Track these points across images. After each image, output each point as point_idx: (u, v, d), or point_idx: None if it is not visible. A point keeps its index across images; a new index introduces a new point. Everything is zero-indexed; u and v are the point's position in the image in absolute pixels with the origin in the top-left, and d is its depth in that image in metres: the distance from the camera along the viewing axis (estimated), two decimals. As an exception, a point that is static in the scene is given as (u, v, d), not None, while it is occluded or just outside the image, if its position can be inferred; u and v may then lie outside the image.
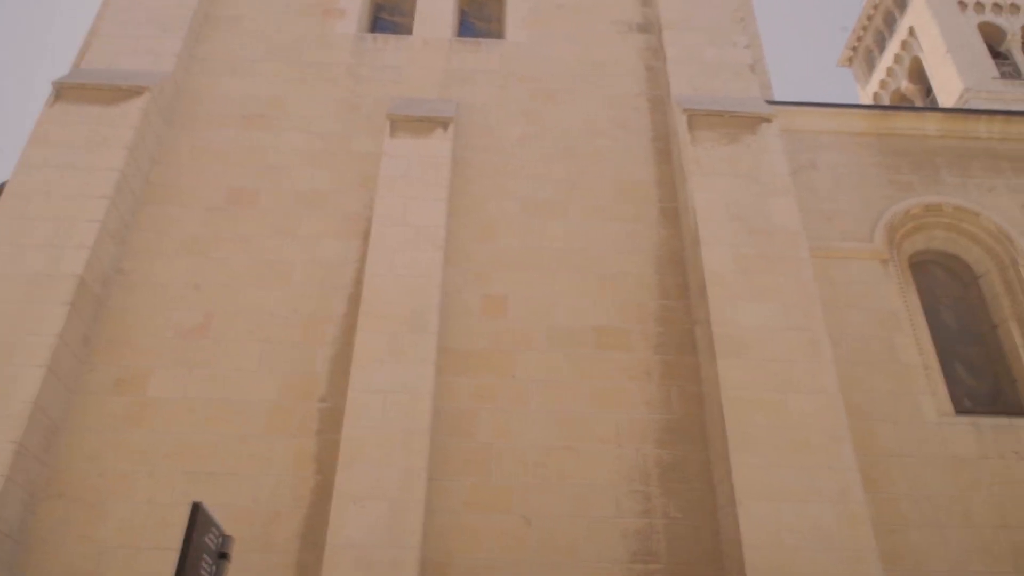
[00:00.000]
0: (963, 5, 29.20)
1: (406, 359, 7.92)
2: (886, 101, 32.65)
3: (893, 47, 32.08)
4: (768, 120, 9.61)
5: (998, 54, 28.62)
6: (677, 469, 7.92)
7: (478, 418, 8.09)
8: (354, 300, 8.77)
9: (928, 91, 30.14)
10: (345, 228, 9.42)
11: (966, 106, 25.16)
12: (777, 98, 11.40)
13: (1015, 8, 29.20)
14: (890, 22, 32.91)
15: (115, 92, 9.62)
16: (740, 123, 9.58)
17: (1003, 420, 8.41)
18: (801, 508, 6.99)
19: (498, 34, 11.87)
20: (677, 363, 8.57)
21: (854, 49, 35.98)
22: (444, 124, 9.84)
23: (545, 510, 7.59)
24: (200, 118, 10.31)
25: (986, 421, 8.37)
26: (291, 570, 7.22)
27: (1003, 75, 27.42)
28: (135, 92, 9.65)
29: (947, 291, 9.85)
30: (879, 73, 33.37)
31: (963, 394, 8.97)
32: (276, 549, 7.32)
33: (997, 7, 29.22)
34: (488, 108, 10.59)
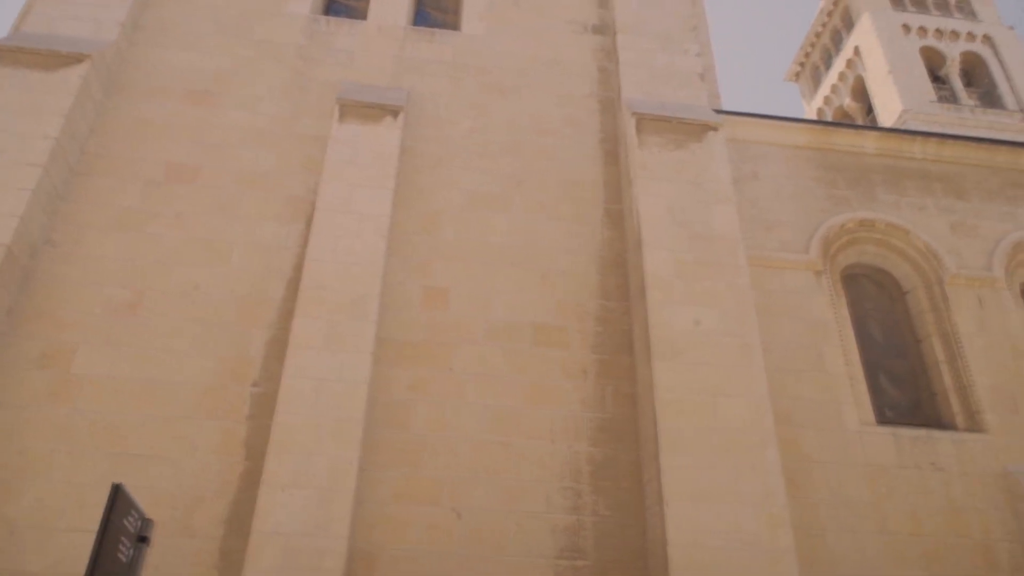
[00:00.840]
0: (907, 28, 30.16)
1: (343, 347, 7.84)
2: (829, 117, 33.54)
3: (839, 65, 32.97)
4: (715, 129, 9.78)
5: (937, 78, 29.66)
6: (608, 468, 8.02)
7: (413, 410, 8.06)
8: (293, 285, 8.64)
9: (869, 110, 31.07)
10: (287, 211, 9.27)
11: (904, 127, 25.99)
12: (725, 107, 11.60)
13: (955, 35, 30.28)
14: (837, 40, 33.81)
15: (54, 58, 9.28)
16: (687, 130, 9.73)
17: (921, 432, 8.73)
18: (726, 509, 7.15)
19: (454, 26, 11.81)
20: (614, 363, 8.67)
21: (801, 64, 36.86)
22: (394, 112, 9.76)
23: (476, 504, 7.61)
24: (142, 90, 10.02)
25: (905, 432, 8.68)
26: (214, 556, 7.09)
27: (941, 99, 28.42)
28: (75, 59, 9.33)
29: (876, 305, 10.18)
30: (824, 89, 34.26)
31: (885, 405, 9.28)
32: (199, 534, 7.18)
33: (939, 32, 30.26)
34: (439, 99, 10.54)
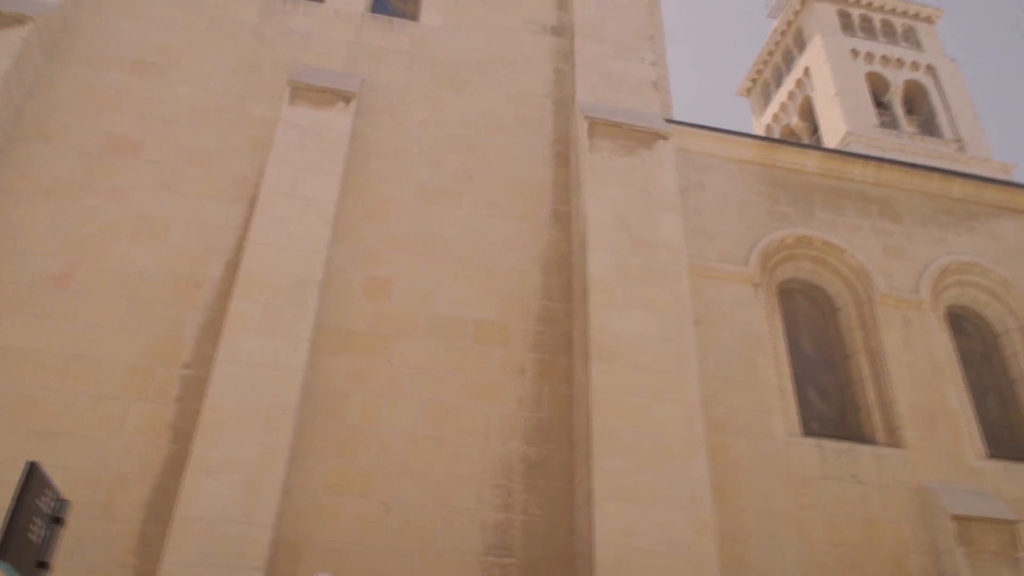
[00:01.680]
0: (855, 53, 31.02)
1: (280, 333, 7.72)
2: (777, 134, 34.31)
3: (789, 84, 33.74)
4: (665, 138, 9.92)
5: (881, 104, 30.59)
6: (541, 467, 8.07)
7: (349, 400, 7.98)
8: (232, 267, 8.48)
9: (815, 129, 31.88)
10: (231, 191, 9.09)
11: (847, 149, 26.75)
12: (676, 118, 11.76)
13: (900, 63, 31.26)
14: (789, 60, 34.59)
15: (-7, 17, 8.93)
16: (638, 137, 9.84)
17: (844, 444, 9.00)
18: (653, 512, 7.27)
19: (412, 16, 11.73)
20: (552, 363, 8.73)
21: (753, 80, 37.61)
22: (347, 98, 9.65)
23: (406, 497, 7.58)
24: (87, 57, 9.71)
25: (829, 444, 8.94)
26: (133, 539, 6.92)
27: (883, 124, 29.32)
28: (17, 20, 8.99)
29: (809, 319, 10.45)
30: (773, 106, 35.02)
31: (812, 417, 9.54)
32: (119, 517, 6.99)
33: (885, 59, 31.20)
34: (393, 88, 10.46)
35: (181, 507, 6.68)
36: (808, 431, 9.19)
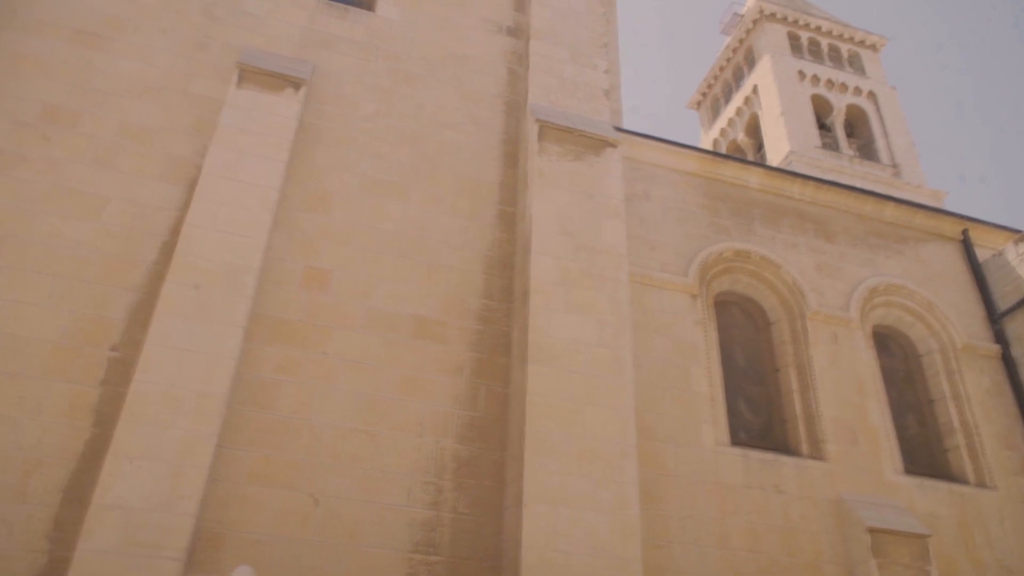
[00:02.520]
0: (802, 75, 31.83)
1: (213, 319, 7.57)
2: (724, 148, 34.98)
3: (737, 100, 34.43)
4: (613, 145, 10.03)
5: (823, 126, 31.44)
6: (472, 465, 8.08)
7: (281, 390, 7.86)
8: (167, 249, 8.27)
9: (760, 147, 32.59)
10: (170, 171, 8.87)
11: (788, 167, 27.44)
12: (625, 126, 11.91)
13: (844, 87, 32.17)
14: (738, 77, 35.30)
15: (-77, -27, 8.54)
16: (587, 143, 9.93)
17: (769, 455, 9.23)
18: (581, 515, 7.34)
19: (368, 6, 11.60)
20: (490, 363, 8.74)
21: (703, 95, 38.28)
22: (296, 85, 9.51)
23: (334, 491, 7.50)
24: (25, 23, 9.35)
25: (755, 454, 9.16)
26: (47, 524, 6.69)
27: (824, 145, 30.13)
28: (-51, -22, 8.62)
29: (742, 332, 10.69)
30: (721, 121, 35.70)
31: (741, 427, 9.76)
32: (32, 501, 6.75)
33: (830, 83, 32.07)
34: (344, 78, 10.34)
35: (99, 493, 6.49)
36: (735, 441, 9.40)
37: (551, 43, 11.28)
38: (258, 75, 9.39)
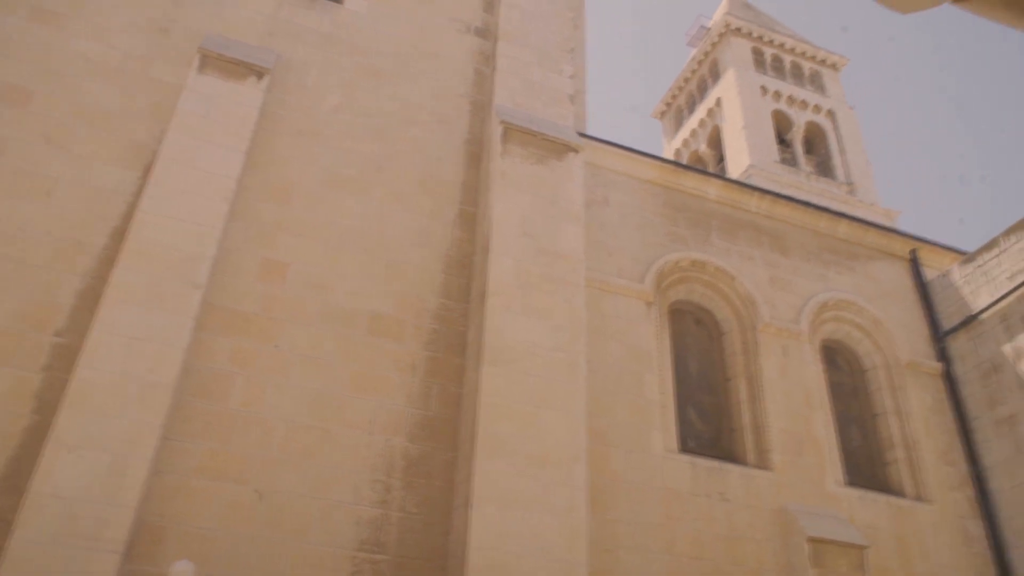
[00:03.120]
0: (764, 90, 32.36)
1: (164, 308, 7.43)
2: (685, 158, 35.39)
3: (700, 112, 34.87)
4: (576, 150, 10.08)
5: (783, 141, 32.00)
6: (423, 465, 8.05)
7: (231, 382, 7.75)
8: (119, 235, 8.10)
9: (721, 159, 33.04)
10: (126, 156, 8.69)
11: (748, 180, 27.86)
12: (588, 132, 11.98)
13: (804, 105, 32.79)
14: (703, 89, 35.75)
15: None
16: (550, 147, 9.97)
17: (717, 464, 9.37)
18: (529, 517, 7.36)
19: (336, -2, 11.50)
20: (444, 362, 8.72)
21: (668, 104, 38.69)
22: (260, 74, 9.39)
23: (281, 487, 7.42)
24: (-23, -5, 9.08)
25: (702, 462, 9.28)
26: (-19, 513, 6.50)
27: (783, 160, 30.67)
28: (-101, -55, 8.34)
29: (696, 341, 10.83)
30: (684, 132, 36.12)
31: (690, 435, 9.88)
32: (-33, 488, 6.55)
33: (791, 100, 32.65)
34: (309, 70, 10.23)
35: (37, 482, 6.32)
36: (684, 448, 9.52)
37: (519, 45, 11.31)
38: (220, 62, 9.25)
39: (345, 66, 10.48)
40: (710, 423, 10.21)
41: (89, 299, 7.66)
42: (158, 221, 7.88)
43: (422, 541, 7.66)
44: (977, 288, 11.43)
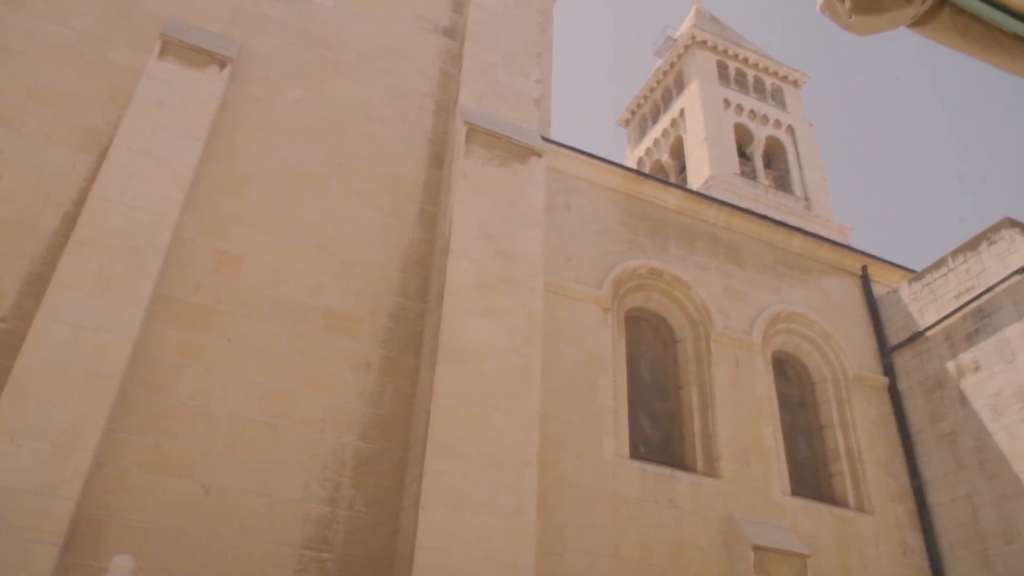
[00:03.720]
0: (727, 103, 32.81)
1: (113, 296, 7.27)
2: (647, 167, 35.70)
3: (664, 122, 35.23)
4: (539, 155, 10.12)
5: (744, 154, 32.48)
6: (373, 464, 8.01)
7: (180, 375, 7.63)
8: (70, 220, 7.91)
9: (683, 169, 33.41)
10: (80, 140, 8.49)
11: (708, 191, 28.22)
12: (552, 136, 12.04)
13: (765, 119, 33.31)
14: (667, 99, 36.13)
15: None
16: (514, 150, 9.99)
17: (666, 470, 9.47)
18: (478, 519, 7.36)
19: (303, -10, 11.39)
20: (399, 361, 8.69)
21: (632, 113, 39.02)
22: (222, 63, 9.25)
23: (228, 482, 7.32)
24: (-71, -33, 8.81)
25: (652, 468, 9.38)
26: (-88, 501, 6.29)
27: (743, 173, 31.13)
28: None
29: (650, 348, 10.94)
30: (647, 141, 36.45)
31: (641, 441, 9.98)
32: (-101, 475, 6.34)
33: (752, 114, 33.15)
34: (272, 61, 10.12)
35: (-26, 470, 6.15)
36: (635, 454, 9.60)
37: (485, 47, 11.31)
38: (182, 48, 9.10)
39: (309, 59, 10.39)
40: (661, 430, 10.32)
41: (36, 285, 7.47)
42: (111, 207, 7.72)
43: (370, 540, 7.62)
44: (924, 306, 11.73)
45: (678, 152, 34.13)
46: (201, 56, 9.16)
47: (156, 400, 7.38)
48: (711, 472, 9.75)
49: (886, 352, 12.00)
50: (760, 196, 29.65)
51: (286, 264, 8.69)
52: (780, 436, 10.53)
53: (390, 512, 7.82)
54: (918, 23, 3.35)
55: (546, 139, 10.98)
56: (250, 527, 7.21)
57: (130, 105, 8.49)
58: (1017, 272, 10.34)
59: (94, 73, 8.99)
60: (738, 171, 30.50)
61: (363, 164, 9.85)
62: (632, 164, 36.67)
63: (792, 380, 11.76)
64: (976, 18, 3.35)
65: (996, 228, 10.96)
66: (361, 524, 7.66)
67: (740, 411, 10.32)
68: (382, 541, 7.65)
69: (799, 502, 10.05)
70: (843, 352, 11.68)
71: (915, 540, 10.49)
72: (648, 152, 36.28)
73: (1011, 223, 10.81)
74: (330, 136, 9.86)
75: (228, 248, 8.49)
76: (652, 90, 37.48)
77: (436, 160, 10.39)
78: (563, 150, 11.16)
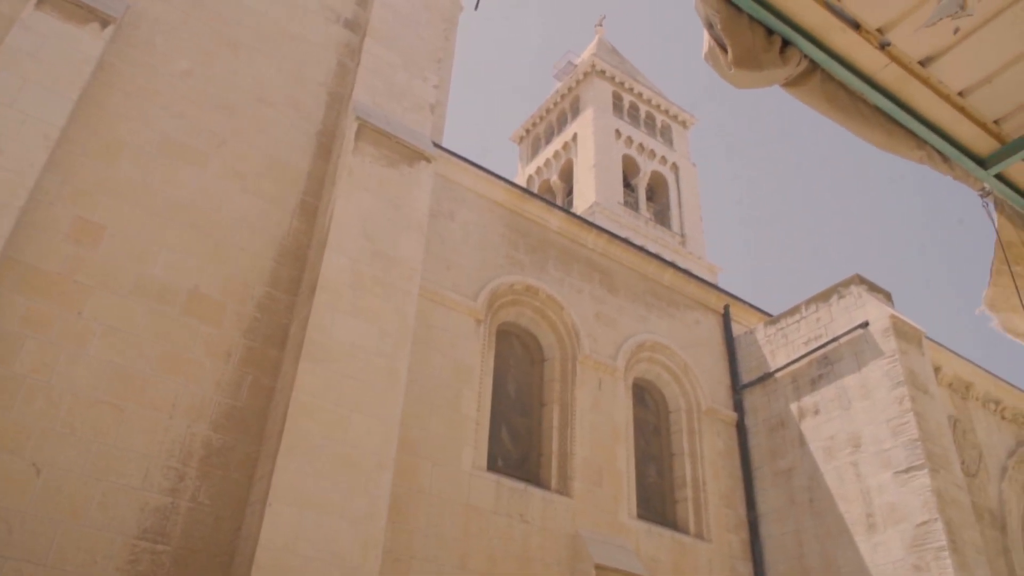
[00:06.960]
0: (618, 134, 33.86)
1: (-48, 254, 6.73)
2: (536, 186, 36.29)
3: (557, 144, 35.96)
4: (428, 159, 10.11)
5: (629, 185, 33.57)
6: (223, 456, 7.73)
7: (21, 345, 7.13)
8: (-89, 166, 7.27)
9: (570, 192, 34.17)
10: (-67, 81, 7.82)
11: (592, 216, 28.98)
12: (444, 144, 12.06)
13: (652, 154, 34.59)
14: (562, 122, 36.91)
15: None
16: (403, 152, 9.93)
17: (520, 485, 9.62)
18: (326, 521, 7.23)
19: (203, -41, 10.95)
20: (262, 353, 8.45)
21: (527, 131, 39.61)
22: (105, 21, 8.76)
23: (63, 463, 6.88)
24: None
25: (507, 482, 9.50)
26: None
27: (627, 203, 32.16)
28: None
29: (519, 363, 11.11)
30: (540, 160, 37.09)
31: (499, 454, 10.10)
32: None
33: (641, 147, 34.34)
34: (162, 28, 9.67)
35: None
36: (492, 466, 9.71)
37: (386, 46, 11.22)
38: (62, 1, 8.55)
39: (203, 31, 9.99)
40: (521, 445, 10.48)
41: None
42: (-39, 158, 7.15)
43: (210, 535, 7.34)
44: (776, 348, 12.47)
45: (567, 175, 34.89)
46: (82, 11, 8.65)
47: (-11, 370, 6.86)
48: (563, 490, 9.97)
49: (738, 389, 12.67)
50: (640, 227, 30.69)
51: (153, 240, 8.29)
52: (632, 460, 10.91)
53: (235, 507, 7.56)
54: (792, 83, 3.61)
55: (437, 145, 11.00)
56: (82, 512, 6.81)
57: (-3, 52, 7.91)
58: (860, 326, 11.17)
59: (-42, 11, 8.32)
60: (622, 200, 31.49)
61: (247, 146, 9.55)
62: (523, 181, 37.19)
63: (649, 407, 12.21)
64: (843, 87, 3.64)
65: (847, 283, 11.81)
66: (203, 517, 7.38)
67: (598, 433, 10.62)
68: (223, 536, 7.39)
69: (644, 525, 10.43)
70: (699, 385, 12.23)
71: (745, 569, 11.08)
72: (539, 171, 36.90)
73: (860, 280, 11.67)
74: (216, 113, 9.51)
75: (90, 216, 8.03)
76: (548, 111, 38.19)
77: (323, 152, 10.20)
78: (453, 159, 11.21)
